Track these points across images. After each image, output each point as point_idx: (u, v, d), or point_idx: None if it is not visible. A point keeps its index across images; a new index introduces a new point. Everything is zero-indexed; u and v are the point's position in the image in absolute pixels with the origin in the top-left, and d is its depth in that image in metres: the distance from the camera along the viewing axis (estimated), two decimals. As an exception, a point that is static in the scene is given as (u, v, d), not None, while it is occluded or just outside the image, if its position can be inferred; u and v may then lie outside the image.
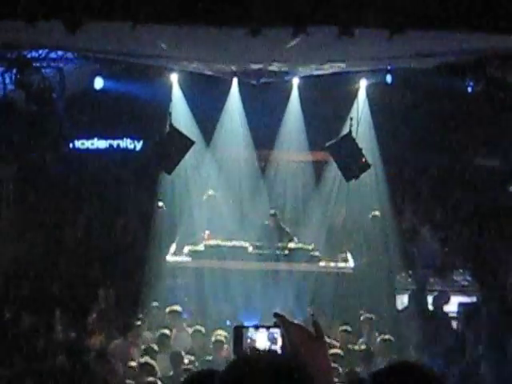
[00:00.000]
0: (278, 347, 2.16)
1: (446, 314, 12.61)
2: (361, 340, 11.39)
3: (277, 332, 2.18)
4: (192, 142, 12.57)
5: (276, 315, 2.19)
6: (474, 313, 12.27)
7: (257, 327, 2.22)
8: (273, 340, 2.18)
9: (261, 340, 2.20)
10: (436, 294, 13.03)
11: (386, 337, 10.87)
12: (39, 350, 11.28)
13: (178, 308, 11.74)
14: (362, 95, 13.46)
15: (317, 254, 13.13)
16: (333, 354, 9.53)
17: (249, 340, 2.21)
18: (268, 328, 2.20)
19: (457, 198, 14.89)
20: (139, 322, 11.65)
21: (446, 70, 11.38)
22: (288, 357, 1.94)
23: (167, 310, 11.77)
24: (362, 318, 11.46)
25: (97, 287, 12.83)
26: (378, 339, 10.96)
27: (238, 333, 2.24)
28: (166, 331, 11.22)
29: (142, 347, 10.90)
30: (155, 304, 12.20)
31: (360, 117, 12.85)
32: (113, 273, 13.41)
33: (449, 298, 12.82)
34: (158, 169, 13.05)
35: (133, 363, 10.39)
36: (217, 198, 13.87)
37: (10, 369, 10.46)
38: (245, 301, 12.35)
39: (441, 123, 13.73)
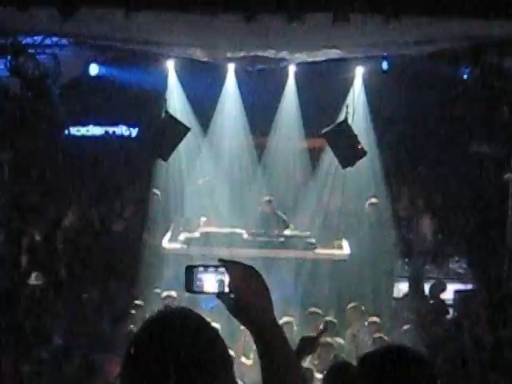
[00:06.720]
0: (225, 286, 2.27)
1: (443, 301, 12.61)
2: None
3: (224, 272, 2.28)
4: (187, 129, 12.57)
5: (220, 260, 2.29)
6: (469, 300, 12.28)
7: (206, 266, 2.31)
8: (220, 280, 2.28)
9: (208, 281, 2.31)
10: (433, 282, 13.02)
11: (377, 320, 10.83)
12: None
13: (173, 293, 11.63)
14: (358, 82, 13.41)
15: (312, 241, 13.10)
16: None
17: (198, 282, 2.33)
18: (216, 268, 2.29)
19: (452, 185, 14.88)
20: (134, 311, 11.55)
21: (442, 56, 11.35)
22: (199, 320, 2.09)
23: (163, 295, 11.64)
24: (349, 306, 11.36)
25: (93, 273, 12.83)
26: (366, 323, 10.90)
27: (189, 272, 2.34)
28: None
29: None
30: (157, 291, 12.08)
31: (356, 104, 12.84)
32: (108, 260, 13.38)
33: (445, 286, 12.82)
34: (153, 156, 13.02)
35: None
36: (212, 184, 13.83)
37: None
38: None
39: (436, 110, 13.71)
